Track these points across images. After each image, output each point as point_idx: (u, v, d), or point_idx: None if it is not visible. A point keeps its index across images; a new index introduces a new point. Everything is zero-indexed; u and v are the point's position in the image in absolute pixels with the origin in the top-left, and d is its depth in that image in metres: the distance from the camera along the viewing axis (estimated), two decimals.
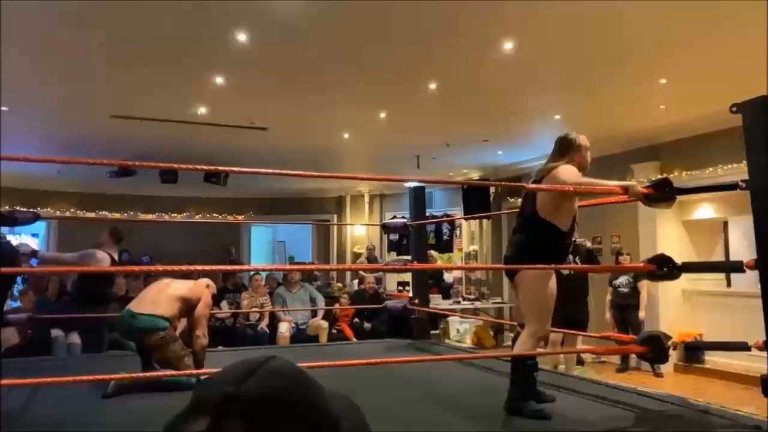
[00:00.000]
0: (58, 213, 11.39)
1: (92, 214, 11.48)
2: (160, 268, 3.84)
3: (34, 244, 11.54)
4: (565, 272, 6.45)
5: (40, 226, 11.61)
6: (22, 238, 10.72)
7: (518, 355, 3.16)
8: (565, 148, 3.32)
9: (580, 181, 3.16)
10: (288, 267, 11.98)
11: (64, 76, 5.73)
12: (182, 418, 0.58)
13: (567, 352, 5.96)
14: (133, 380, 3.48)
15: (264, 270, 9.06)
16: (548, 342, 6.05)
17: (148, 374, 3.59)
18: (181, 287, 4.12)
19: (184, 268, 4.07)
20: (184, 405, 0.59)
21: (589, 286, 6.57)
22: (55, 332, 6.67)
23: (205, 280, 4.33)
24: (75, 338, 6.71)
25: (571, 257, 6.18)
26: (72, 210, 11.66)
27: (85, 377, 2.89)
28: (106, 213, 11.47)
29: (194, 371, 3.68)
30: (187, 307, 4.11)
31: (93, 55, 5.19)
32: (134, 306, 3.98)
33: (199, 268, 3.34)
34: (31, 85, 5.97)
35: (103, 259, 5.65)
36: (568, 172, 3.17)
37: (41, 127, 7.51)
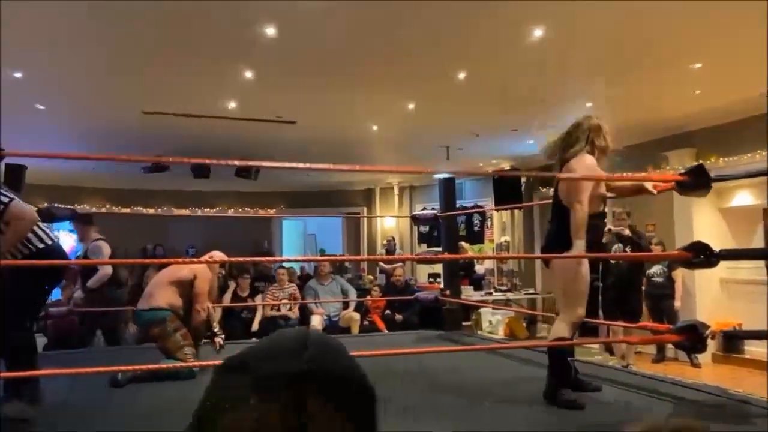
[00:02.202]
0: (93, 209, 11.62)
1: (127, 210, 11.69)
2: (175, 260, 3.92)
3: (71, 239, 11.83)
4: (613, 262, 6.40)
5: None
6: (60, 234, 10.96)
7: (547, 345, 3.14)
8: (580, 134, 3.31)
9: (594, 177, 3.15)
10: (314, 258, 12.04)
11: (97, 75, 5.82)
12: (241, 399, 0.53)
13: (599, 341, 5.89)
14: (137, 371, 3.57)
15: (289, 261, 9.11)
16: (610, 333, 5.96)
17: (150, 367, 3.65)
18: (174, 272, 4.24)
19: (202, 260, 4.15)
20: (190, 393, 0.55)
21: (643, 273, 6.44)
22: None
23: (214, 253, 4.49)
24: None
25: (621, 246, 6.09)
26: (107, 206, 11.88)
27: (85, 369, 3.04)
28: (140, 208, 11.67)
29: (195, 363, 3.77)
30: (186, 288, 4.21)
31: (124, 53, 5.27)
32: (139, 303, 4.15)
33: (199, 260, 3.37)
34: (66, 83, 6.09)
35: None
36: (584, 165, 3.21)
37: (76, 125, 7.66)
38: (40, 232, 3.17)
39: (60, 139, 8.27)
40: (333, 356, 0.58)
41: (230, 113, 7.11)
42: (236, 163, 2.96)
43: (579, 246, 3.10)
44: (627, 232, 6.21)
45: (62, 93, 6.42)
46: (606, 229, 6.33)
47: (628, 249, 6.07)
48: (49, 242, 3.20)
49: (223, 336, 4.76)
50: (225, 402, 0.53)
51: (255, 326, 7.61)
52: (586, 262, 3.17)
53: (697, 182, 3.14)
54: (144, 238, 11.70)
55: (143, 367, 3.53)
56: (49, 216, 5.46)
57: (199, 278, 4.20)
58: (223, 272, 4.60)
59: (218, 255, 4.54)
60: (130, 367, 3.40)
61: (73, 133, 8.10)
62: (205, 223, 12.23)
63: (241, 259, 7.19)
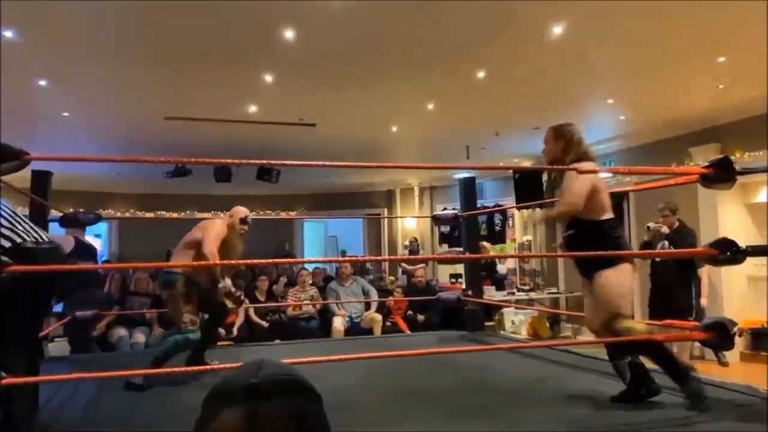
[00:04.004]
0: (118, 214, 11.79)
1: (151, 214, 11.84)
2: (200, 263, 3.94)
3: (97, 244, 12.02)
4: (658, 261, 6.28)
5: (102, 227, 12.04)
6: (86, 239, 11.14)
7: (569, 344, 3.12)
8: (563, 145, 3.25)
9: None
10: (335, 259, 12.07)
11: (120, 81, 5.90)
12: (214, 409, 0.75)
13: (623, 340, 5.80)
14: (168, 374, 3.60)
15: (311, 262, 9.14)
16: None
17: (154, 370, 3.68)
18: (189, 235, 4.15)
19: (240, 262, 4.15)
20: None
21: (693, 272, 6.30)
22: (119, 332, 6.89)
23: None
24: (140, 337, 6.93)
25: (666, 243, 6.00)
26: (131, 210, 12.04)
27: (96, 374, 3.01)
28: (164, 212, 11.81)
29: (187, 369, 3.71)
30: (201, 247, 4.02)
31: (146, 59, 5.34)
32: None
33: (225, 261, 3.39)
34: (90, 91, 6.18)
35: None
36: (571, 181, 3.15)
37: (99, 131, 7.77)
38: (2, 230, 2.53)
39: (84, 145, 8.40)
40: (278, 372, 0.78)
41: (251, 117, 7.16)
42: (257, 162, 2.98)
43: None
44: (665, 229, 6.08)
45: (86, 100, 6.51)
46: (645, 226, 6.25)
47: (672, 247, 5.95)
48: (7, 244, 2.52)
49: (240, 293, 4.69)
50: (208, 416, 0.76)
51: None
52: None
53: (721, 174, 3.09)
54: (168, 242, 11.80)
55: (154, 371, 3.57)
56: (74, 221, 5.54)
57: (208, 228, 4.06)
58: (246, 229, 4.43)
59: (240, 210, 4.42)
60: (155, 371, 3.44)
61: (97, 140, 8.22)
62: None
63: (262, 261, 7.22)
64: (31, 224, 2.76)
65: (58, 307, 5.74)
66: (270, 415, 0.73)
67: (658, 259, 6.46)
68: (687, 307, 6.06)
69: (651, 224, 6.21)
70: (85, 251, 5.55)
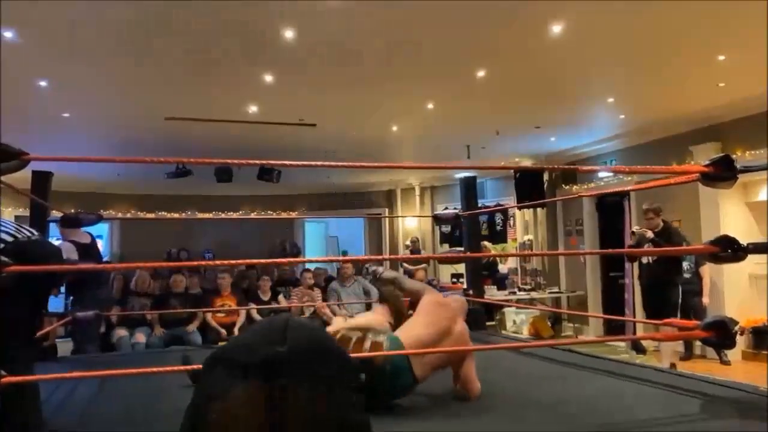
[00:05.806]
0: (119, 214, 11.81)
1: (152, 215, 11.86)
2: (214, 262, 3.92)
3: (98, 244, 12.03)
4: (645, 260, 6.30)
5: (103, 228, 12.05)
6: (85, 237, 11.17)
7: (571, 343, 3.11)
8: None
9: None
10: (336, 259, 12.06)
11: (120, 82, 5.91)
12: (224, 383, 0.60)
13: (624, 339, 5.81)
14: None
15: (311, 262, 9.13)
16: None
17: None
18: None
19: (241, 262, 4.13)
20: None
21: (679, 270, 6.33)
22: (120, 332, 6.89)
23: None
24: (140, 337, 6.94)
25: (651, 246, 6.02)
26: (132, 211, 12.06)
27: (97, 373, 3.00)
28: (165, 213, 11.82)
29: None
30: None
31: (147, 60, 5.34)
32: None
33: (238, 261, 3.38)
34: (91, 92, 6.18)
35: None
36: None
37: (100, 132, 7.77)
38: None
39: (85, 146, 8.41)
40: (308, 336, 0.63)
41: (251, 117, 7.16)
42: (257, 162, 2.97)
43: None
44: (650, 234, 6.07)
45: (86, 101, 6.52)
46: (630, 231, 6.28)
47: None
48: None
49: None
50: (214, 390, 0.60)
51: None
52: None
53: (722, 173, 3.06)
54: (169, 242, 11.84)
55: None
56: (75, 222, 5.54)
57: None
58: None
59: None
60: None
61: (98, 141, 8.23)
62: (230, 226, 12.37)
63: (263, 261, 7.24)
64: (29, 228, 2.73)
65: (58, 307, 5.74)
66: (296, 395, 0.59)
67: (644, 261, 6.50)
68: (673, 307, 6.08)
69: (635, 228, 6.26)
70: (92, 252, 5.59)
